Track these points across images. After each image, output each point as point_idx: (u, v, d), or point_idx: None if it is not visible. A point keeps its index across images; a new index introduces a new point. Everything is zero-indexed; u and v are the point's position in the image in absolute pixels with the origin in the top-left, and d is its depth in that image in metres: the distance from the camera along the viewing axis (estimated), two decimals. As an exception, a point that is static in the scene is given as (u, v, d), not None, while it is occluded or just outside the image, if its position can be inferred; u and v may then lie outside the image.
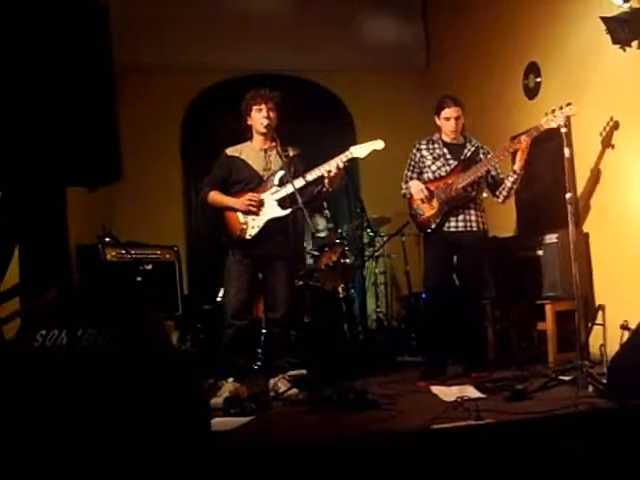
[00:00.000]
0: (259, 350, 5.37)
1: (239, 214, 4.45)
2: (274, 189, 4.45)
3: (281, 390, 4.29)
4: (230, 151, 4.60)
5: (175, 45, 7.25)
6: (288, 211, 4.43)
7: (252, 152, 4.57)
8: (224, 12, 7.48)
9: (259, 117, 4.47)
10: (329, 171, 4.34)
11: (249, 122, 4.56)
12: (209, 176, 4.65)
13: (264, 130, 4.47)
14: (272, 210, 4.44)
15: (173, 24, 7.24)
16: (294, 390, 4.26)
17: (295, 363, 4.65)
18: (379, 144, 4.47)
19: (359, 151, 4.46)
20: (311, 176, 4.38)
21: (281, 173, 4.44)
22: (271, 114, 4.47)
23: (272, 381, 4.43)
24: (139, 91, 7.01)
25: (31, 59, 2.26)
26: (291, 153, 4.55)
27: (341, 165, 4.36)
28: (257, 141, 4.59)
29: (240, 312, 4.43)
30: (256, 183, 4.50)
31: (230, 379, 4.36)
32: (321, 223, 6.40)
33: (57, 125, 2.25)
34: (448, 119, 4.85)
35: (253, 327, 4.89)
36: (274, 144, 4.47)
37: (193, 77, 7.55)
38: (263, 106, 4.46)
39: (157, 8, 7.19)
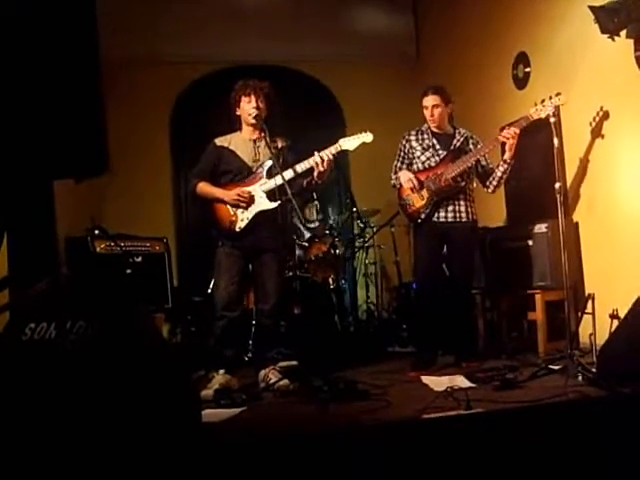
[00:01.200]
0: (249, 342, 5.37)
1: (228, 206, 4.44)
2: (263, 181, 4.43)
3: (272, 381, 4.29)
4: (219, 141, 4.57)
5: (163, 37, 7.23)
6: (277, 203, 4.41)
7: (241, 142, 4.55)
8: (212, 3, 7.46)
9: (248, 108, 4.45)
10: (318, 163, 4.33)
11: (238, 112, 4.54)
12: (197, 166, 4.61)
13: (253, 121, 4.45)
14: (261, 202, 4.42)
15: (161, 16, 7.22)
16: (285, 381, 4.26)
17: (286, 354, 4.65)
18: (368, 137, 4.45)
19: (348, 143, 4.45)
20: (300, 168, 4.36)
21: (270, 164, 4.43)
22: (260, 104, 4.44)
23: (262, 372, 4.43)
24: (127, 84, 6.97)
25: (16, 52, 2.24)
26: (280, 144, 4.53)
27: (330, 157, 4.35)
28: (246, 132, 4.57)
29: (231, 304, 4.42)
30: (245, 174, 4.48)
31: (221, 371, 4.36)
32: (313, 216, 6.40)
33: (43, 117, 2.24)
34: (426, 108, 4.87)
35: (244, 318, 4.89)
36: (263, 135, 4.46)
37: (181, 69, 7.53)
38: (252, 96, 4.44)
39: (145, 0, 7.15)
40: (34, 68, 2.26)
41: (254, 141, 4.53)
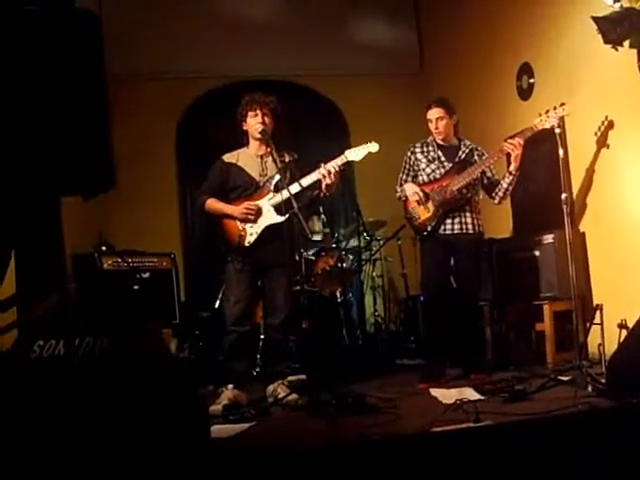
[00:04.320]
0: (258, 356, 5.37)
1: (237, 221, 4.45)
2: (270, 195, 4.44)
3: (280, 396, 4.28)
4: (227, 157, 4.60)
5: (168, 53, 7.27)
6: (285, 217, 4.41)
7: (248, 158, 4.57)
8: (217, 19, 7.50)
9: (254, 123, 4.48)
10: (325, 175, 4.33)
11: (245, 128, 4.57)
12: (205, 183, 4.64)
13: (259, 136, 4.47)
14: (270, 216, 4.43)
15: (166, 32, 7.26)
16: (293, 395, 4.26)
17: (294, 368, 4.64)
18: (374, 147, 4.45)
19: (354, 154, 4.44)
20: (306, 181, 4.37)
21: (277, 178, 4.43)
22: (266, 119, 4.47)
23: (271, 387, 4.42)
24: (133, 99, 7.01)
25: (23, 69, 2.26)
26: (287, 159, 4.55)
27: (337, 169, 4.36)
28: (253, 147, 4.59)
29: (241, 319, 4.43)
30: (253, 189, 4.50)
31: (230, 386, 4.36)
32: (317, 227, 6.41)
33: (50, 134, 2.25)
34: (430, 121, 4.89)
35: (253, 333, 4.90)
36: (269, 150, 4.47)
37: (187, 84, 7.57)
38: (258, 111, 4.46)
39: (150, 16, 7.21)
40: (40, 85, 2.28)
41: (261, 156, 4.55)
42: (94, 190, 2.47)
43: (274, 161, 4.42)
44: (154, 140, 7.36)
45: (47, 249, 2.77)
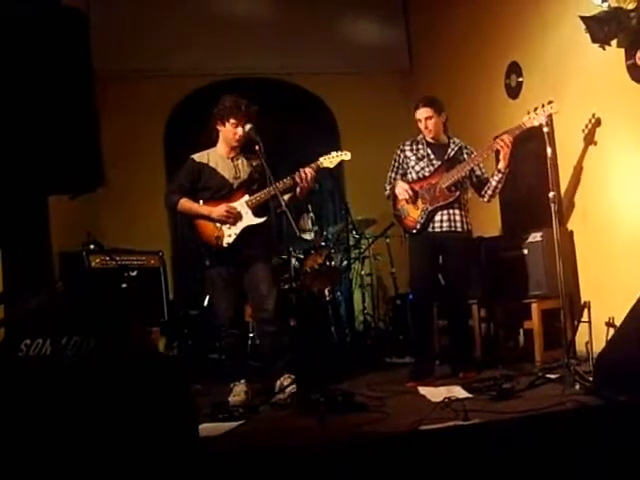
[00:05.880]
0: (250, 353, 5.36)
1: (212, 222, 4.46)
2: (246, 197, 4.47)
3: (286, 383, 4.35)
4: (197, 157, 4.59)
5: (157, 51, 7.26)
6: (263, 219, 4.48)
7: (219, 159, 4.57)
8: (206, 17, 7.48)
9: (233, 129, 4.48)
10: (300, 180, 4.44)
11: (219, 128, 4.56)
12: (175, 182, 4.64)
13: (235, 144, 4.53)
14: (248, 218, 4.47)
15: (154, 30, 7.25)
16: (283, 393, 4.26)
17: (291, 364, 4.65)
18: (346, 155, 4.66)
19: (328, 162, 4.63)
20: (283, 184, 4.45)
21: (252, 181, 4.53)
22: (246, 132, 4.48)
23: (278, 382, 4.44)
24: (122, 98, 6.99)
25: (11, 68, 2.25)
26: (254, 163, 4.56)
27: (311, 175, 4.47)
28: (222, 149, 4.60)
29: (235, 321, 4.53)
30: (226, 191, 4.51)
31: (242, 381, 4.46)
32: (308, 227, 6.40)
33: (37, 132, 2.24)
34: (419, 120, 4.89)
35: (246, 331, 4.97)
36: (239, 152, 4.56)
37: (176, 82, 7.54)
38: (241, 122, 4.45)
39: (138, 15, 7.20)
40: (28, 84, 2.27)
41: (232, 158, 4.58)
42: (82, 188, 2.46)
43: (245, 163, 4.55)
44: (142, 138, 7.33)
45: (34, 247, 2.75)
